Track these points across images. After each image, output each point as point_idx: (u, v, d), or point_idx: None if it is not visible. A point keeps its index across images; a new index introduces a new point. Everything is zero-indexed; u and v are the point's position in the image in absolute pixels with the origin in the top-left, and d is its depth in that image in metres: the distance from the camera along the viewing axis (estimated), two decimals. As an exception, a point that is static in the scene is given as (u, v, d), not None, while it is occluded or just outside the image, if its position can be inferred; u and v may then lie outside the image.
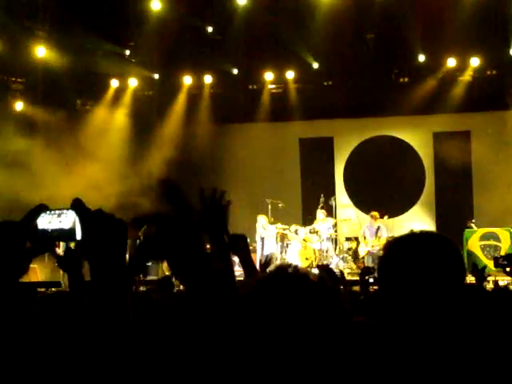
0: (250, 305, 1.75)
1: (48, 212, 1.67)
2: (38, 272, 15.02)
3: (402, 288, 1.97)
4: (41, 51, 15.78)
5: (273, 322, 1.69)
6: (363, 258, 15.85)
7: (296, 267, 1.86)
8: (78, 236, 1.60)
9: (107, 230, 1.56)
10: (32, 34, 15.57)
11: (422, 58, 16.87)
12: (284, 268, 1.86)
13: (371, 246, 15.70)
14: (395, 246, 2.08)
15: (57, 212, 1.66)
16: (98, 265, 1.56)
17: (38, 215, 1.67)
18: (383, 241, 15.28)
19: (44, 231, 1.65)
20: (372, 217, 16.21)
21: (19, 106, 16.33)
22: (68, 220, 1.63)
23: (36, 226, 1.66)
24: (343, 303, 1.81)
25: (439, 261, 1.98)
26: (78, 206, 1.58)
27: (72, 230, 1.63)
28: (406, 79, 17.62)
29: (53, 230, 1.64)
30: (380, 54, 16.77)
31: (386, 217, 16.69)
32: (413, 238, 2.11)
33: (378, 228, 15.97)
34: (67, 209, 1.64)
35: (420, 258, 1.99)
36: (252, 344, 1.69)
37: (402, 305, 1.97)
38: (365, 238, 16.12)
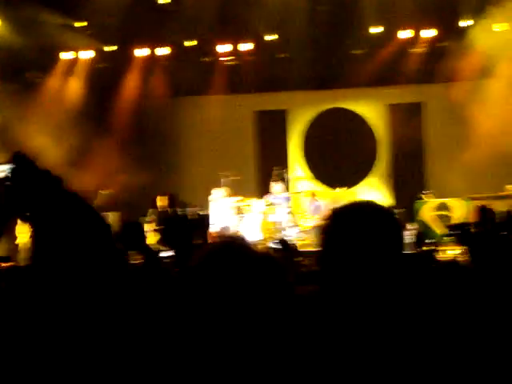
0: (194, 275, 1.77)
1: None
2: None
3: (341, 257, 2.01)
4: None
5: (215, 293, 1.71)
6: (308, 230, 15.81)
7: (243, 240, 1.88)
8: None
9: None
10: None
11: (375, 29, 16.95)
12: (230, 240, 1.88)
13: (315, 221, 15.71)
14: (337, 216, 2.12)
15: None
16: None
17: None
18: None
19: None
20: (312, 195, 16.31)
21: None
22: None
23: None
24: (286, 276, 1.84)
25: (377, 231, 2.02)
26: (18, 159, 1.58)
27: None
28: (360, 51, 17.68)
29: None
30: (333, 25, 16.81)
31: (341, 188, 16.84)
32: (354, 208, 2.15)
33: (320, 205, 16.01)
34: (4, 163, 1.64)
35: (359, 227, 2.03)
36: (192, 316, 1.72)
37: (341, 273, 2.01)
38: (308, 213, 16.12)
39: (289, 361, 1.75)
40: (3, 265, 10.81)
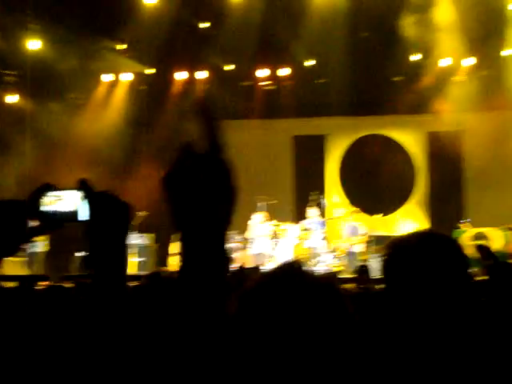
0: (251, 300, 1.73)
1: (51, 192, 1.65)
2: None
3: (408, 287, 1.97)
4: (35, 45, 15.80)
5: (274, 320, 1.67)
6: (343, 255, 15.76)
7: (301, 265, 1.83)
8: (80, 218, 1.59)
9: (113, 211, 1.56)
10: (26, 28, 15.59)
11: (415, 57, 16.94)
12: (290, 265, 1.84)
13: (350, 244, 15.66)
14: (399, 246, 2.08)
15: (60, 192, 1.64)
16: (100, 247, 1.55)
17: (43, 194, 1.65)
18: (362, 239, 15.46)
19: (47, 212, 1.63)
20: (352, 214, 16.21)
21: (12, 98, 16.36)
22: (71, 201, 1.61)
23: (39, 205, 1.64)
24: (349, 305, 1.80)
25: (443, 260, 1.98)
26: (84, 186, 1.57)
27: (75, 212, 1.61)
28: (400, 78, 17.65)
29: (56, 211, 1.62)
30: (373, 52, 16.82)
31: (380, 215, 16.76)
32: (416, 237, 2.10)
33: (356, 227, 15.95)
34: (71, 189, 1.62)
35: (425, 257, 1.99)
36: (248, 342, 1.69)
37: (409, 304, 1.97)
38: (344, 235, 16.06)
39: None
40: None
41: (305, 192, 17.35)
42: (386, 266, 2.06)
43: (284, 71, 17.88)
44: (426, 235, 2.10)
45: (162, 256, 15.68)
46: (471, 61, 16.89)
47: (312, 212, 16.29)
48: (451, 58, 16.83)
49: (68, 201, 1.61)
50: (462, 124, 17.99)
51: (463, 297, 1.96)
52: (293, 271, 1.79)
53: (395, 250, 2.06)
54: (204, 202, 1.51)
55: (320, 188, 17.91)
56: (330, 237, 16.46)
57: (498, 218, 15.74)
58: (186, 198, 1.51)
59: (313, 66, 17.55)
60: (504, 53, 16.53)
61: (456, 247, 2.03)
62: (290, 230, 16.18)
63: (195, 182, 1.52)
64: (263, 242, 15.95)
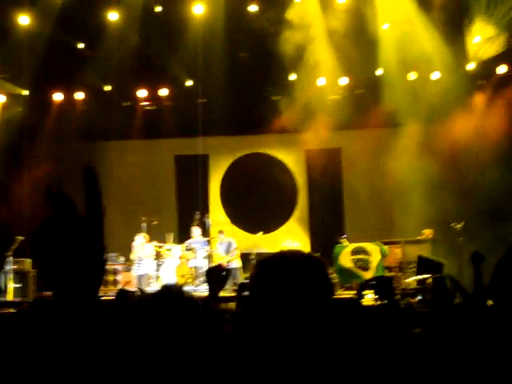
0: (131, 323, 1.75)
1: None
2: None
3: (271, 304, 2.01)
4: None
5: (152, 340, 1.70)
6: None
7: (180, 288, 1.88)
8: None
9: None
10: None
11: (294, 76, 17.26)
12: (168, 288, 1.87)
13: (226, 261, 15.79)
14: (265, 265, 2.12)
15: None
16: None
17: None
18: (237, 255, 15.67)
19: None
20: (220, 232, 16.39)
21: None
22: None
23: None
24: (222, 324, 1.84)
25: (306, 278, 2.02)
26: None
27: None
28: (279, 97, 17.93)
29: None
30: (253, 71, 17.03)
31: (260, 233, 16.91)
32: (282, 257, 2.14)
33: (229, 243, 16.13)
34: None
35: (288, 275, 2.03)
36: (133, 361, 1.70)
37: (270, 321, 2.00)
38: (218, 254, 16.18)
39: None
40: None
41: (188, 211, 17.32)
42: (251, 285, 2.09)
43: (164, 91, 17.85)
44: (291, 255, 2.15)
45: (41, 282, 15.22)
46: (346, 80, 17.35)
47: (196, 231, 16.32)
48: (327, 77, 17.22)
49: None
50: (339, 142, 18.46)
51: (323, 316, 2.00)
52: (171, 294, 1.82)
53: (260, 269, 2.10)
54: (72, 266, 1.51)
55: (205, 207, 17.92)
56: (214, 256, 16.52)
57: (374, 232, 16.19)
58: (54, 261, 1.51)
59: (193, 85, 17.59)
60: (377, 72, 17.05)
61: (320, 267, 2.08)
62: (175, 250, 16.14)
63: (64, 245, 1.52)
64: (147, 263, 15.83)
